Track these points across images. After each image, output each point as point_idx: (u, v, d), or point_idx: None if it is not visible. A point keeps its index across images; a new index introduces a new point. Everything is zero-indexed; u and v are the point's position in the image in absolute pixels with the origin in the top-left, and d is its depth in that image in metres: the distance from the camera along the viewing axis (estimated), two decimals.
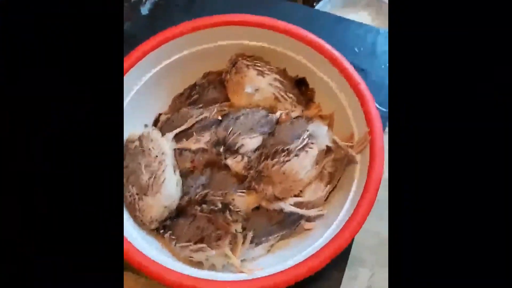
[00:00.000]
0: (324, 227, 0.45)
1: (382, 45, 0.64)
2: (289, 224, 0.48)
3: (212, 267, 0.43)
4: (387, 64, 0.62)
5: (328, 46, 0.50)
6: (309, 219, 0.48)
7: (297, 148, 0.46)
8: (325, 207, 0.48)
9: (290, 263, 0.41)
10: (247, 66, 0.52)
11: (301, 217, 0.48)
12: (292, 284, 0.39)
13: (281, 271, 0.40)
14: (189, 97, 0.56)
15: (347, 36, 0.64)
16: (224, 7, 0.63)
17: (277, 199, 0.47)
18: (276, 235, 0.47)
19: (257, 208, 0.48)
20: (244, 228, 0.45)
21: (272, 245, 0.48)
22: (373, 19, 0.94)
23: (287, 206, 0.47)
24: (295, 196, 0.48)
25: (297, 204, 0.47)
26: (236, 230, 0.43)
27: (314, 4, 0.92)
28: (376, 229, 0.49)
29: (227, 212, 0.44)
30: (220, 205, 0.44)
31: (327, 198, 0.49)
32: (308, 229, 0.48)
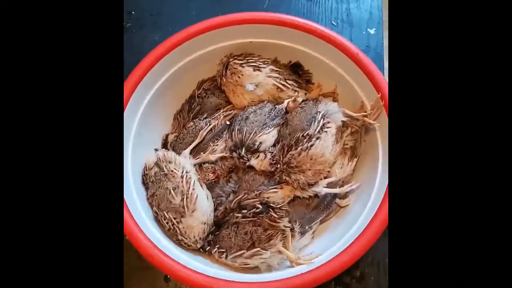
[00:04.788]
0: (360, 200, 0.46)
1: (355, 12, 0.65)
2: (325, 206, 0.48)
3: (269, 268, 0.43)
4: (367, 30, 0.63)
5: (316, 25, 0.50)
6: (342, 196, 0.49)
7: (316, 131, 0.46)
8: (355, 180, 0.49)
9: (346, 241, 0.41)
10: (241, 65, 0.52)
11: (334, 196, 0.48)
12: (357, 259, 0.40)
13: (341, 253, 0.40)
14: (190, 110, 0.55)
15: (321, 11, 0.65)
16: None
17: (310, 185, 0.47)
18: (316, 221, 0.47)
19: (292, 199, 0.48)
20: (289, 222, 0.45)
21: (314, 231, 0.48)
22: None
23: (322, 189, 0.47)
24: (325, 178, 0.48)
25: (329, 185, 0.47)
26: (285, 226, 0.43)
27: None
28: None
29: (271, 210, 0.43)
30: (261, 206, 0.44)
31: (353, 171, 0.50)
32: (345, 206, 0.48)
